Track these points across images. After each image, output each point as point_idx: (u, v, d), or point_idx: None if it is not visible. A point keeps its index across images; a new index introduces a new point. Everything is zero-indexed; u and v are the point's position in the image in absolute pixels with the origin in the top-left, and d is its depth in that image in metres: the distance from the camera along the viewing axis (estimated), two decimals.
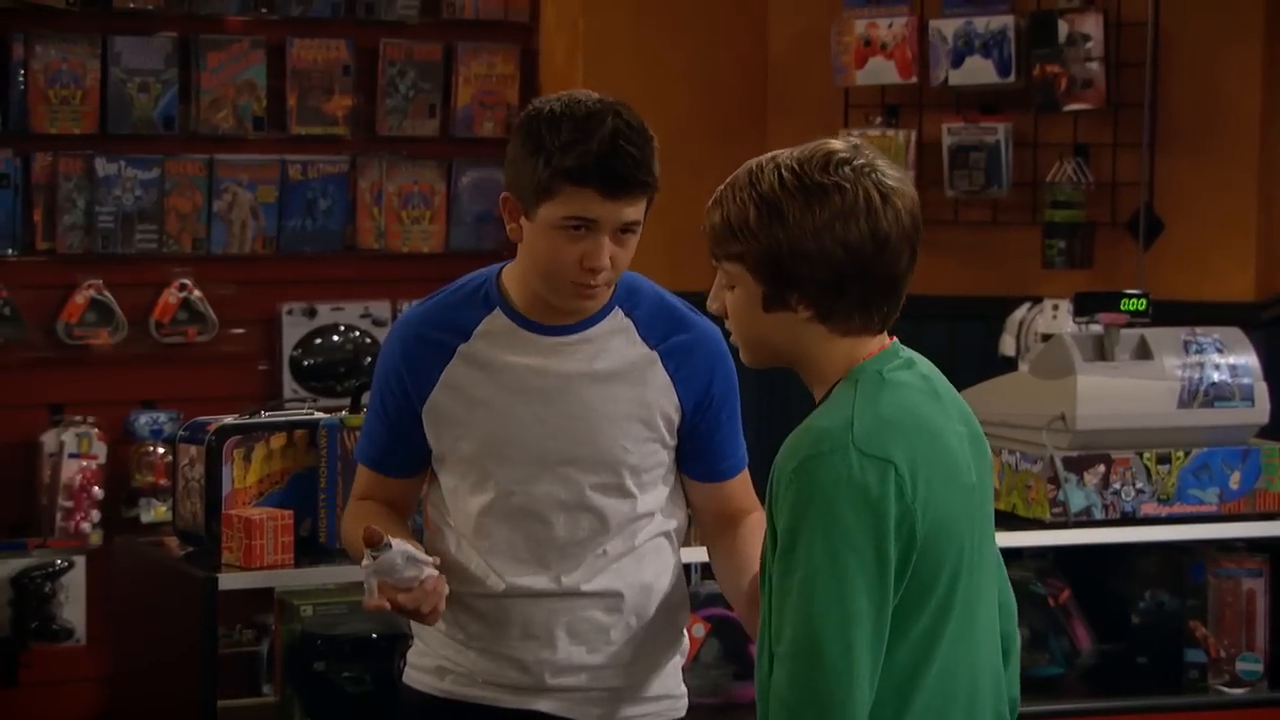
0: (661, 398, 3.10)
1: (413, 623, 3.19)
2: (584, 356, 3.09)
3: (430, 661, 3.17)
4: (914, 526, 2.51)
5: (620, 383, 3.09)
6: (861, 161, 2.58)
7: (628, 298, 3.13)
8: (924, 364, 2.69)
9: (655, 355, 3.11)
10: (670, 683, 3.19)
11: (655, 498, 3.14)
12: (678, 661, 3.21)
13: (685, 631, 3.24)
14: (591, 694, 3.11)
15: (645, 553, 3.13)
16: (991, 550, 2.71)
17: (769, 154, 2.63)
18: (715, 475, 3.18)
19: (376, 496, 3.20)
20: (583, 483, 3.08)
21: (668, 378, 3.11)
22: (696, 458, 3.17)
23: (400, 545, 2.93)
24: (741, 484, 3.21)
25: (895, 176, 2.60)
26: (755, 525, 3.11)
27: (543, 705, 3.11)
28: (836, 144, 2.61)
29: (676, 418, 3.12)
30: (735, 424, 3.19)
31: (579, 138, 2.97)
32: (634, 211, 3.02)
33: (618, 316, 3.12)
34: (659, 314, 3.14)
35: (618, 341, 3.10)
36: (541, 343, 3.09)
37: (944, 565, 2.56)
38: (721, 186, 2.66)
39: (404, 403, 3.13)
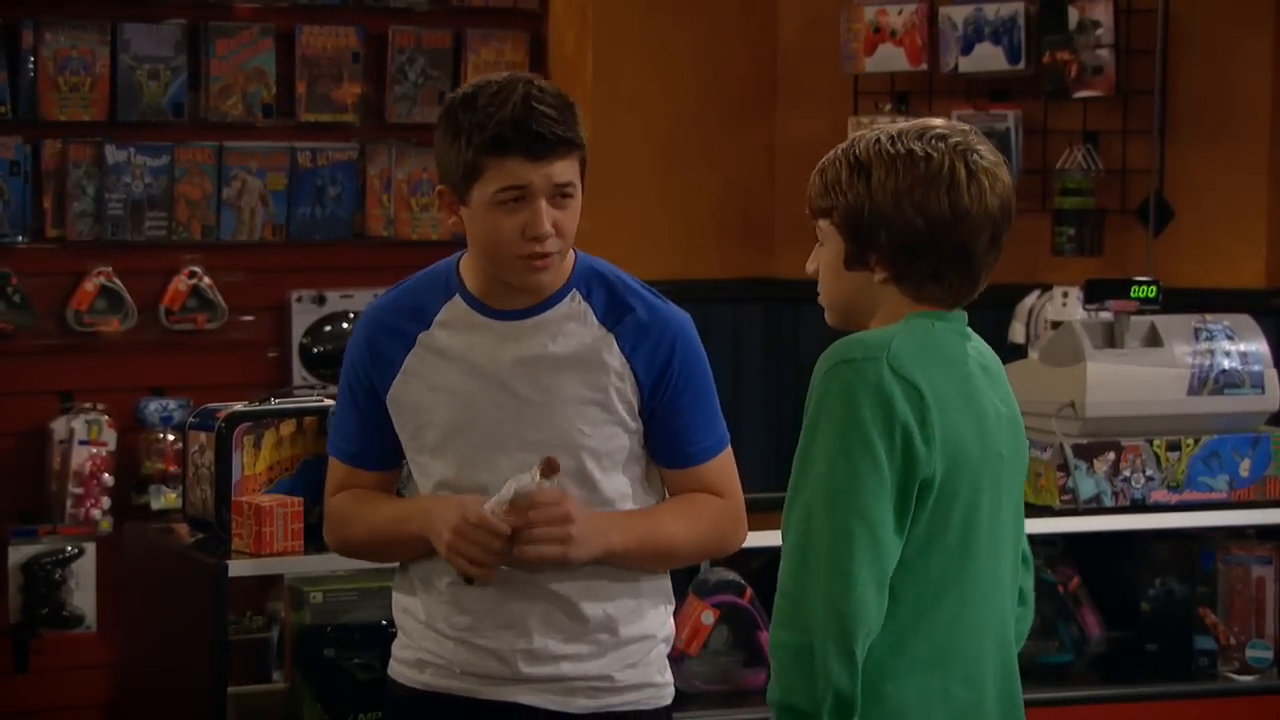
0: (618, 380, 3.08)
1: (395, 616, 3.21)
2: (539, 340, 3.09)
3: (410, 654, 3.17)
4: (929, 454, 2.58)
5: (575, 366, 3.08)
6: (957, 139, 2.68)
7: (585, 280, 3.12)
8: (982, 344, 2.79)
9: (611, 337, 3.09)
10: (652, 671, 3.16)
11: (618, 484, 3.11)
12: (662, 650, 3.18)
13: (670, 619, 3.20)
14: (571, 684, 3.10)
15: None
16: (1015, 530, 2.76)
17: (879, 126, 2.75)
18: (681, 460, 3.14)
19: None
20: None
21: (624, 358, 3.09)
22: (661, 442, 3.13)
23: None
24: (713, 471, 3.16)
25: (990, 160, 2.69)
26: (714, 501, 3.13)
27: (522, 697, 3.10)
28: (939, 121, 2.72)
29: (635, 399, 3.10)
30: (704, 409, 3.14)
31: (493, 110, 2.99)
32: (565, 171, 3.02)
33: (575, 299, 3.11)
34: (617, 296, 3.12)
35: (573, 325, 3.09)
36: (498, 327, 3.10)
37: (956, 506, 2.62)
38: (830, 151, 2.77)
39: (372, 394, 3.15)
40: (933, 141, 2.66)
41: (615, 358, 3.09)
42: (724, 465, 3.17)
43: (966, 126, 2.73)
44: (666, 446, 3.14)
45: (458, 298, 3.13)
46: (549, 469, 2.99)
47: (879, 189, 2.65)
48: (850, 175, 2.68)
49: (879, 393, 2.57)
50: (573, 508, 3.02)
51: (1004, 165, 2.72)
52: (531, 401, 3.07)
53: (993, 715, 2.70)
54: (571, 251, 3.14)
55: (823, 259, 2.74)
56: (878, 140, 2.68)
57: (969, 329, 2.77)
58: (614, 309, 3.11)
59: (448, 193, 3.08)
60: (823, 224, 2.73)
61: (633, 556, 3.10)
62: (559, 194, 3.02)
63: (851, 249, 2.69)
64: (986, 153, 2.69)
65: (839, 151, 2.72)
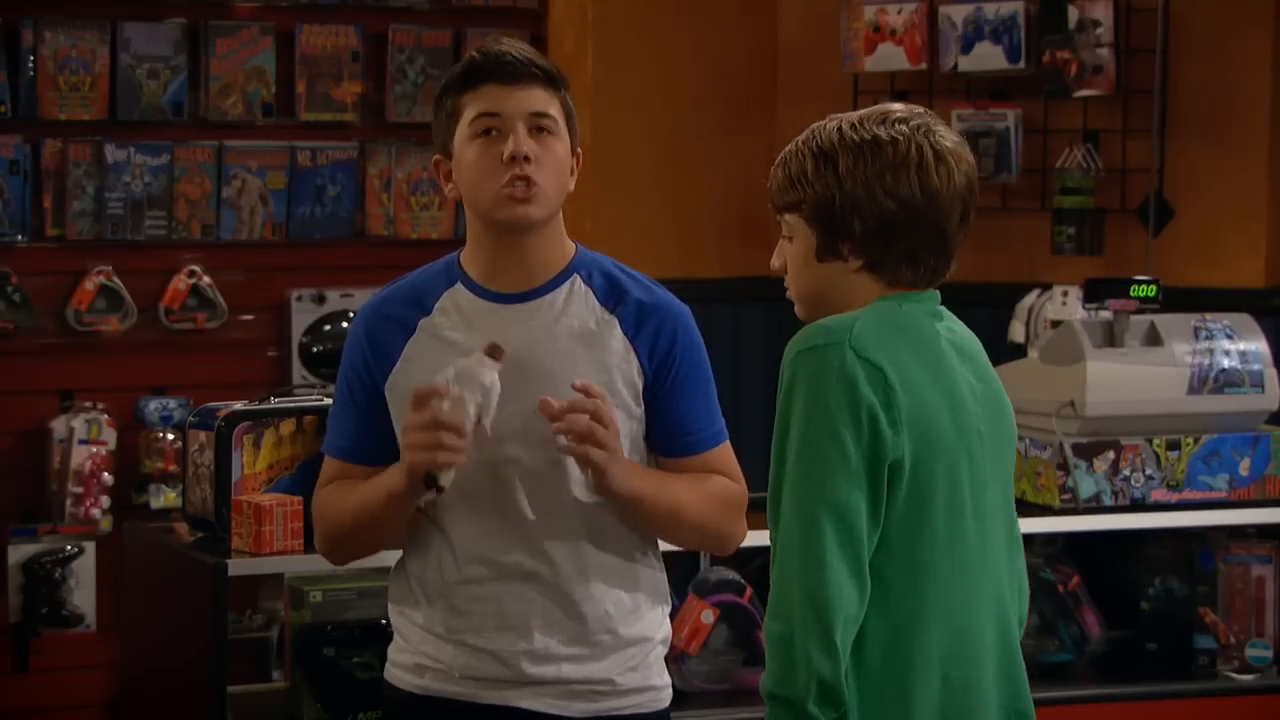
0: (621, 361, 3.09)
1: (392, 619, 3.20)
2: (542, 323, 3.09)
3: (409, 658, 3.16)
4: (896, 436, 2.58)
5: (580, 347, 3.08)
6: (918, 122, 2.69)
7: (585, 266, 3.14)
8: (956, 324, 2.77)
9: (613, 319, 3.10)
10: (652, 674, 3.16)
11: None
12: (660, 652, 3.18)
13: (666, 620, 3.20)
14: (572, 687, 3.09)
15: (618, 536, 3.10)
16: (1003, 508, 2.75)
17: (834, 115, 2.75)
18: (682, 448, 3.14)
19: None
20: (546, 450, 3.04)
21: (626, 341, 3.10)
22: (663, 431, 3.13)
23: (495, 388, 2.97)
24: (716, 460, 3.16)
25: (952, 139, 2.70)
26: (723, 480, 3.13)
27: (522, 701, 3.09)
28: (896, 105, 2.73)
29: (639, 381, 3.10)
30: (705, 399, 3.15)
31: (468, 57, 3.11)
32: (540, 101, 3.06)
33: (575, 283, 3.12)
34: (617, 280, 3.13)
35: (576, 307, 3.10)
36: (501, 311, 3.10)
37: (937, 488, 2.62)
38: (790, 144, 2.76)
39: (371, 386, 3.14)
40: (895, 125, 2.67)
41: (618, 339, 3.10)
42: (726, 455, 3.18)
43: (921, 109, 2.73)
44: (668, 435, 3.14)
45: (460, 284, 3.13)
46: (494, 351, 2.99)
47: (848, 176, 2.65)
48: (817, 166, 2.68)
49: (842, 377, 2.57)
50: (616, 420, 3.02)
51: (965, 144, 2.73)
52: (536, 383, 3.06)
53: (993, 693, 2.69)
54: (571, 244, 3.15)
55: (790, 252, 2.74)
56: (839, 129, 2.68)
57: (943, 309, 2.76)
58: (614, 292, 3.12)
59: (441, 160, 3.12)
60: (789, 218, 2.72)
61: (650, 508, 3.07)
62: (537, 126, 3.06)
63: (823, 240, 2.69)
64: (947, 133, 2.70)
65: (799, 144, 2.72)
